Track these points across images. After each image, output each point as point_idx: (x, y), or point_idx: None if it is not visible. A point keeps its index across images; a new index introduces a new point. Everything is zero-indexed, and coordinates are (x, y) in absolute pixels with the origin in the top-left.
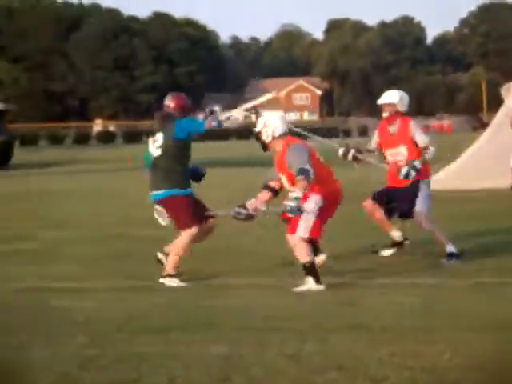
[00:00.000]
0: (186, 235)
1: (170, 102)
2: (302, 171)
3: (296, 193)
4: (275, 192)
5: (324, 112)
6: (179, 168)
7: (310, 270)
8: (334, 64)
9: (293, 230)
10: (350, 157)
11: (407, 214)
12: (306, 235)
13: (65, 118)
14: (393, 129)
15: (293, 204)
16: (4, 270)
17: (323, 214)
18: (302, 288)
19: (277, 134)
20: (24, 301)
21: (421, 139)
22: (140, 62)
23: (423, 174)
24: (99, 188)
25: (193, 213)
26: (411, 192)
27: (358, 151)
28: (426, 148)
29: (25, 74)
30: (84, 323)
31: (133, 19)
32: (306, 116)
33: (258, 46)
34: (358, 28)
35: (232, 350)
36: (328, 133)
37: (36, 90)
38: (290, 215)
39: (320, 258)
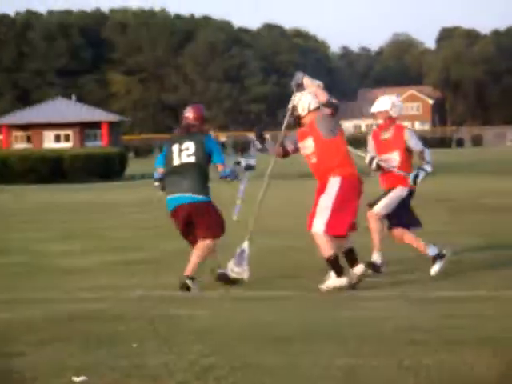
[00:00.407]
0: (211, 243)
1: (189, 114)
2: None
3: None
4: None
5: (436, 121)
6: (208, 178)
7: (333, 264)
8: (447, 73)
9: (310, 227)
10: (374, 165)
11: (412, 223)
12: (322, 231)
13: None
14: (386, 135)
15: None
16: (126, 280)
17: (344, 206)
18: (326, 284)
19: (312, 107)
20: (143, 309)
21: (415, 143)
22: (250, 73)
23: (403, 179)
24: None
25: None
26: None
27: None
28: (421, 152)
29: (139, 85)
30: (202, 332)
31: (243, 30)
32: (417, 125)
33: (368, 56)
34: (471, 36)
35: (357, 361)
36: (441, 142)
37: (149, 101)
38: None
39: (357, 270)
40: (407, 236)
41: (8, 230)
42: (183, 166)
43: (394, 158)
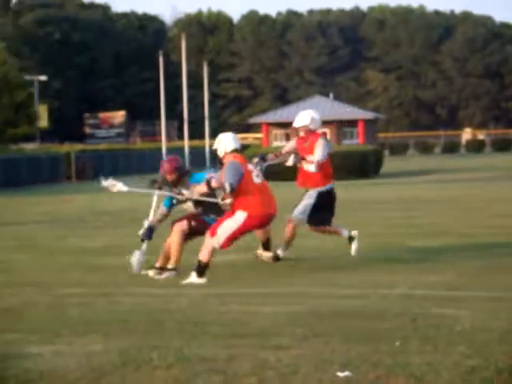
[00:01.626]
0: None
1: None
2: (228, 184)
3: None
4: None
5: None
6: None
7: (202, 269)
8: None
9: (212, 234)
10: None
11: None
12: (217, 247)
13: (433, 127)
14: (306, 143)
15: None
16: (386, 277)
17: (241, 232)
18: (186, 280)
19: (228, 150)
20: (405, 308)
21: (317, 152)
22: (511, 69)
23: (314, 182)
24: (461, 196)
25: None
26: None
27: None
28: (314, 161)
29: (395, 83)
30: (465, 332)
31: (505, 25)
32: None
33: None
34: None
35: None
36: None
37: (405, 98)
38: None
39: (266, 255)
40: (325, 229)
41: None
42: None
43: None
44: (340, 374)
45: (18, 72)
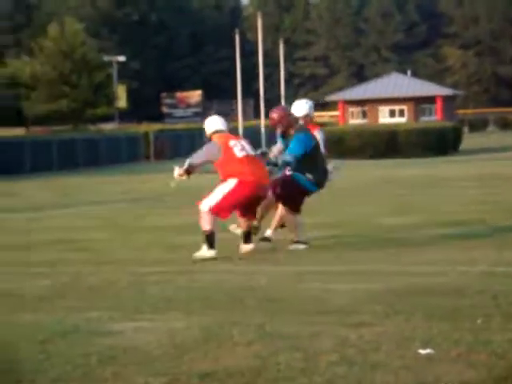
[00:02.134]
0: None
1: None
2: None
3: None
4: None
5: None
6: None
7: (208, 238)
8: None
9: (199, 202)
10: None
11: None
12: (206, 210)
13: None
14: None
15: None
16: (464, 255)
17: (234, 198)
18: (197, 254)
19: (212, 131)
20: (486, 285)
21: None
22: None
23: None
24: None
25: None
26: None
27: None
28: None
29: (474, 59)
30: None
31: None
32: None
33: None
34: None
35: None
36: None
37: (484, 75)
38: None
39: (246, 247)
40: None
41: (340, 204)
42: None
43: None
44: (422, 352)
45: (97, 53)
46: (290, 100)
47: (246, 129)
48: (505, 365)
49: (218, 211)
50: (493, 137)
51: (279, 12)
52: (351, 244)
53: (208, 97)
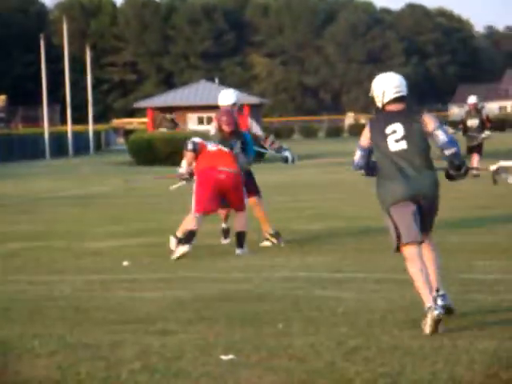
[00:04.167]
0: None
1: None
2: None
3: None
4: None
5: None
6: None
7: (188, 236)
8: None
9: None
10: None
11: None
12: (194, 212)
13: (318, 112)
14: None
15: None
16: (271, 260)
17: (202, 188)
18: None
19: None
20: (288, 290)
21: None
22: (392, 54)
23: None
24: (346, 180)
25: None
26: None
27: None
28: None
29: (280, 68)
30: (346, 314)
31: (385, 11)
32: None
33: None
34: None
35: (500, 345)
36: None
37: (290, 83)
38: None
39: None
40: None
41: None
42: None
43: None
44: (224, 358)
45: None
46: (97, 106)
47: (52, 134)
48: (305, 368)
49: (202, 208)
50: (298, 145)
51: (85, 17)
52: (160, 253)
53: (14, 102)
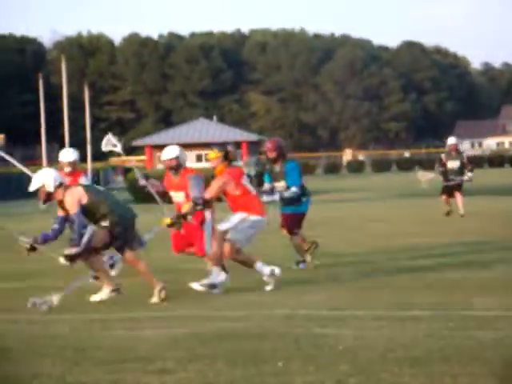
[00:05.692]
0: None
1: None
2: None
3: None
4: None
5: None
6: None
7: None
8: None
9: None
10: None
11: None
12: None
13: (315, 148)
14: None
15: None
16: (271, 298)
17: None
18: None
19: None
20: (288, 328)
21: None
22: (389, 91)
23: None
24: (348, 216)
25: None
26: None
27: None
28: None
29: (277, 105)
30: (347, 352)
31: (383, 48)
32: None
33: (511, 72)
34: None
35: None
36: None
37: (288, 120)
38: None
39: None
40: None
41: None
42: None
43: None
44: None
45: None
46: (95, 144)
47: None
48: None
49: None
50: None
51: (84, 56)
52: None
53: (13, 141)
